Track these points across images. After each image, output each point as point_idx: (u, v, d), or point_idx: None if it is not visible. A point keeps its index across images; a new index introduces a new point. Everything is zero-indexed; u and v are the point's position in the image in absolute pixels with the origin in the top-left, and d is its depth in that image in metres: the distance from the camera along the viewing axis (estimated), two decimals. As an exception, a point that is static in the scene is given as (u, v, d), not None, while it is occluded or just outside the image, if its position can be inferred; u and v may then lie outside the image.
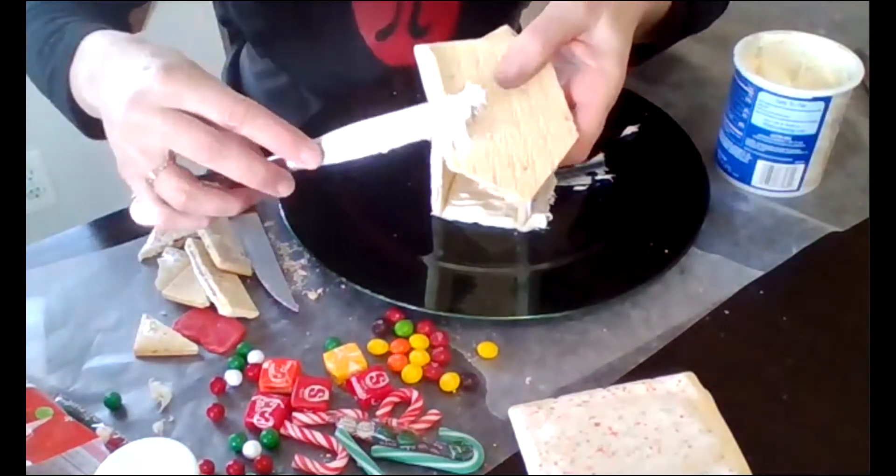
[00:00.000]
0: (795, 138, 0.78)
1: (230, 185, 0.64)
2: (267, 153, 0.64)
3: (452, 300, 0.73)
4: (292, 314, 0.72)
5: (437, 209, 0.78)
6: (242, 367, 0.67)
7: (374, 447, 0.62)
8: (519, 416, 0.62)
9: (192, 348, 0.69)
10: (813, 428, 0.64)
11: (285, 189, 0.64)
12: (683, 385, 0.63)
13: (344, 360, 0.67)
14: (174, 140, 0.61)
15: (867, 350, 0.63)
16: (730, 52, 0.80)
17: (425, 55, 0.69)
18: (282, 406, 0.64)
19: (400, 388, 0.66)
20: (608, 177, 0.82)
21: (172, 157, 0.63)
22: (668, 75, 0.96)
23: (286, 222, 0.77)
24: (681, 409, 0.61)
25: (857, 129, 0.89)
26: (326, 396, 0.65)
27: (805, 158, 0.79)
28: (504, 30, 0.78)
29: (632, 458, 0.58)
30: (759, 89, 0.77)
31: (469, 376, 0.66)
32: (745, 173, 0.81)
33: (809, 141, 0.78)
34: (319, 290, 0.73)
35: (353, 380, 0.66)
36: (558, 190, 0.80)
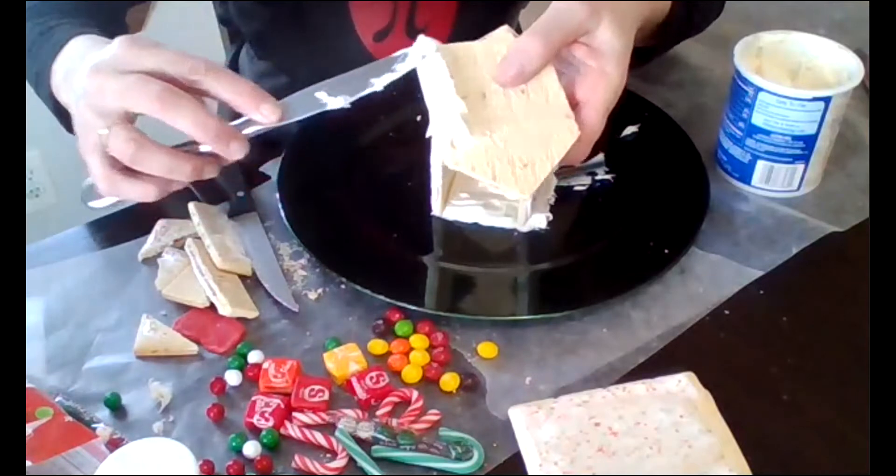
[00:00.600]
0: (795, 138, 0.78)
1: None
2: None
3: (452, 300, 0.73)
4: (292, 314, 0.72)
5: (437, 209, 0.78)
6: (242, 367, 0.67)
7: (374, 447, 0.62)
8: (519, 416, 0.62)
9: (192, 348, 0.69)
10: (813, 428, 0.64)
11: (238, 149, 0.64)
12: (683, 385, 0.63)
13: (344, 360, 0.67)
14: (128, 96, 0.62)
15: (867, 350, 0.63)
16: (730, 52, 0.80)
17: (430, 51, 0.69)
18: (282, 406, 0.64)
19: (400, 388, 0.66)
20: (608, 177, 0.82)
21: (130, 119, 0.64)
22: (668, 75, 0.96)
23: (286, 222, 0.77)
24: (681, 409, 0.61)
25: (857, 129, 0.89)
26: (326, 396, 0.65)
27: (805, 158, 0.79)
28: (504, 30, 0.78)
29: (632, 458, 0.59)
30: (759, 89, 0.77)
31: (469, 376, 0.66)
32: (745, 173, 0.81)
33: (809, 141, 0.78)
34: (319, 290, 0.73)
35: (353, 380, 0.66)
36: (558, 190, 0.80)
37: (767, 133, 0.78)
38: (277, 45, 1.00)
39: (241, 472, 0.61)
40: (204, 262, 0.73)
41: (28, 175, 1.65)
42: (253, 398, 0.65)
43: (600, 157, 0.83)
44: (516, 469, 0.60)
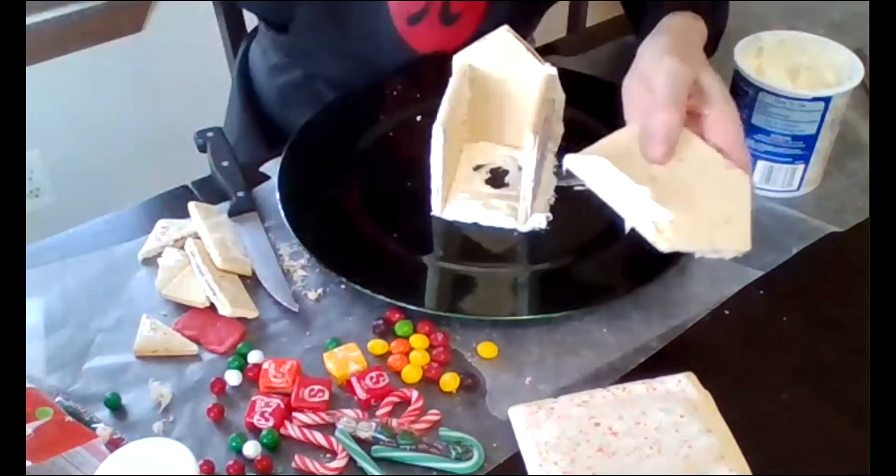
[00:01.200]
0: (795, 138, 0.78)
1: None
2: None
3: (452, 300, 0.73)
4: (292, 314, 0.72)
5: (437, 209, 0.78)
6: (242, 367, 0.67)
7: (374, 447, 0.62)
8: (519, 416, 0.62)
9: (192, 348, 0.69)
10: (813, 428, 0.64)
11: None
12: (683, 385, 0.63)
13: (344, 360, 0.67)
14: None
15: (867, 350, 0.63)
16: (730, 52, 0.80)
17: (592, 162, 0.67)
18: (282, 406, 0.64)
19: (400, 388, 0.66)
20: (608, 177, 0.82)
21: None
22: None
23: (286, 222, 0.77)
24: (681, 409, 0.61)
25: (857, 129, 0.89)
26: (326, 396, 0.65)
27: (805, 158, 0.79)
28: (503, 30, 0.78)
29: (632, 458, 0.59)
30: (759, 89, 0.77)
31: (469, 376, 0.66)
32: (745, 173, 0.81)
33: (809, 141, 0.78)
34: (319, 290, 0.73)
35: (353, 380, 0.66)
36: (558, 190, 0.80)
37: (767, 133, 0.78)
38: (303, 28, 0.98)
39: (241, 472, 0.61)
40: (204, 262, 0.73)
41: (28, 175, 1.65)
42: (253, 398, 0.65)
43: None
44: (516, 469, 0.60)
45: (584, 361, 0.68)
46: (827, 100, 0.76)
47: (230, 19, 1.20)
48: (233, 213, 0.79)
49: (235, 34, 1.20)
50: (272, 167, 0.83)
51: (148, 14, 1.62)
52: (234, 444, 0.62)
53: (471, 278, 0.74)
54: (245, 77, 1.11)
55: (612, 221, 0.78)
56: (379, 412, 0.64)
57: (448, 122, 0.74)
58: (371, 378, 0.66)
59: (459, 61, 0.79)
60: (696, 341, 0.70)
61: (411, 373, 0.67)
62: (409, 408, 0.64)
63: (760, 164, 0.80)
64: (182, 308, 0.72)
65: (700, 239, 0.64)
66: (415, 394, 0.65)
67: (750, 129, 0.79)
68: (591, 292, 0.72)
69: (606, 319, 0.71)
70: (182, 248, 0.76)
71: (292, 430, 0.63)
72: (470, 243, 0.77)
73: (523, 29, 1.03)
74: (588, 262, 0.75)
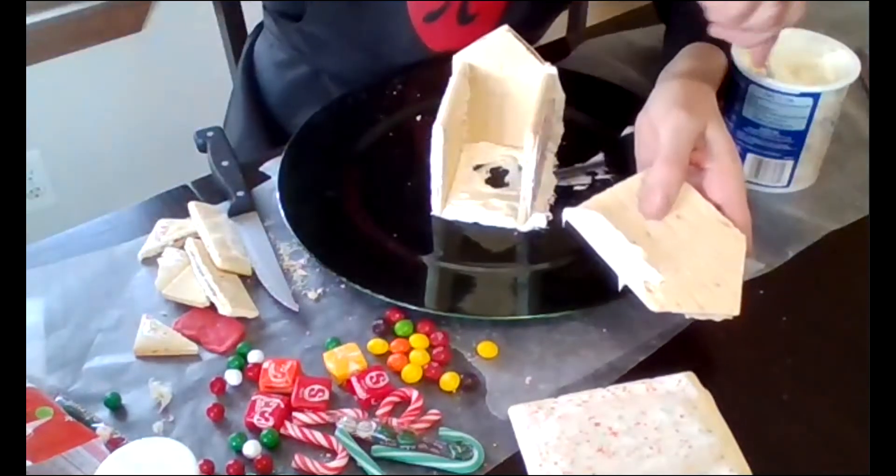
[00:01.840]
0: (783, 133, 0.78)
1: None
2: None
3: (452, 300, 0.73)
4: (292, 314, 0.72)
5: (437, 209, 0.78)
6: (242, 366, 0.67)
7: (374, 447, 0.62)
8: (519, 416, 0.62)
9: (192, 348, 0.69)
10: (813, 428, 0.64)
11: None
12: (683, 385, 0.63)
13: (344, 360, 0.67)
14: None
15: (867, 350, 0.63)
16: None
17: (589, 217, 0.67)
18: (282, 406, 0.64)
19: (400, 388, 0.66)
20: (608, 176, 0.82)
21: None
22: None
23: (286, 222, 0.77)
24: (681, 408, 0.61)
25: (857, 128, 0.89)
26: (326, 396, 0.65)
27: (794, 155, 0.79)
28: (503, 30, 0.78)
29: (632, 458, 0.59)
30: (749, 82, 0.77)
31: (469, 376, 0.66)
32: (734, 166, 0.82)
33: (798, 137, 0.78)
34: (319, 290, 0.73)
35: (353, 380, 0.66)
36: (558, 190, 0.80)
37: (756, 126, 0.78)
38: (318, 19, 0.98)
39: (241, 472, 0.61)
40: (204, 262, 0.73)
41: (28, 175, 1.65)
42: (253, 398, 0.65)
43: (600, 156, 0.83)
44: (516, 469, 0.60)
45: (584, 361, 0.68)
46: (815, 96, 0.76)
47: (230, 19, 1.20)
48: (233, 213, 0.79)
49: (235, 34, 1.20)
50: (272, 167, 0.83)
51: (148, 14, 1.62)
52: (234, 443, 0.62)
53: (471, 278, 0.74)
54: (249, 73, 1.10)
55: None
56: (379, 412, 0.64)
57: (448, 122, 0.74)
58: (371, 378, 0.66)
59: (459, 61, 0.79)
60: (696, 341, 0.70)
61: (411, 373, 0.67)
62: (409, 408, 0.64)
63: (750, 157, 0.80)
64: (182, 308, 0.72)
65: (689, 302, 0.65)
66: (415, 394, 0.65)
67: (741, 122, 0.79)
68: (591, 292, 0.71)
69: (606, 319, 0.71)
70: (182, 248, 0.76)
71: (292, 429, 0.63)
72: (470, 243, 0.77)
73: (538, 30, 1.03)
74: (588, 262, 0.74)
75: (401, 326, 0.70)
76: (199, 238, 0.76)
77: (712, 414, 0.62)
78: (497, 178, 0.82)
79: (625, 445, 0.59)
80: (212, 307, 0.72)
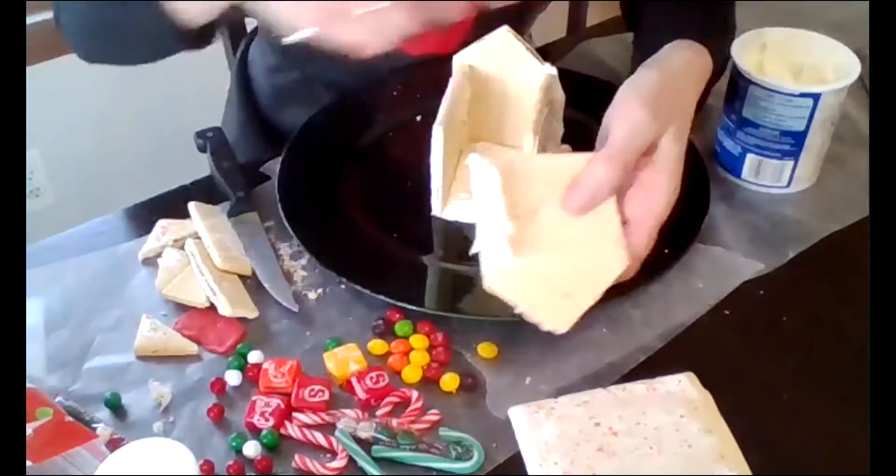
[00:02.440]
0: (783, 133, 0.78)
1: None
2: None
3: (452, 300, 0.73)
4: (292, 314, 0.72)
5: (437, 209, 0.78)
6: (242, 367, 0.67)
7: (374, 447, 0.62)
8: (519, 416, 0.62)
9: (192, 348, 0.69)
10: (813, 428, 0.64)
11: None
12: (683, 385, 0.63)
13: (344, 360, 0.67)
14: None
15: (867, 350, 0.63)
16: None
17: (486, 171, 0.64)
18: (282, 406, 0.64)
19: (400, 388, 0.66)
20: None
21: None
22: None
23: (286, 222, 0.77)
24: (681, 409, 0.61)
25: (857, 128, 0.89)
26: (326, 396, 0.65)
27: (794, 155, 0.79)
28: (503, 30, 0.78)
29: (632, 458, 0.58)
30: (749, 82, 0.77)
31: (469, 376, 0.66)
32: (735, 166, 0.82)
33: (798, 137, 0.78)
34: (319, 290, 0.73)
35: (353, 380, 0.66)
36: (558, 190, 0.80)
37: (756, 126, 0.78)
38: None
39: (241, 472, 0.61)
40: (204, 262, 0.73)
41: (28, 175, 1.65)
42: (253, 398, 0.65)
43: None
44: (516, 469, 0.60)
45: (584, 361, 0.68)
46: (816, 96, 0.76)
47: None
48: (233, 214, 0.79)
49: (235, 34, 1.20)
50: (272, 167, 0.83)
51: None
52: (234, 444, 0.62)
53: (471, 278, 0.74)
54: (244, 77, 1.10)
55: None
56: (379, 412, 0.64)
57: (448, 122, 0.74)
58: (371, 378, 0.66)
59: (459, 61, 0.79)
60: (696, 341, 0.70)
61: (411, 373, 0.67)
62: (409, 408, 0.64)
63: (750, 157, 0.80)
64: (182, 308, 0.72)
65: (523, 297, 0.61)
66: (415, 394, 0.65)
67: (741, 122, 0.79)
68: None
69: (606, 319, 0.71)
70: (182, 248, 0.76)
71: (292, 430, 0.63)
72: (470, 243, 0.77)
73: (520, 29, 1.03)
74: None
75: (401, 327, 0.70)
76: (199, 238, 0.76)
77: (712, 414, 0.62)
78: (497, 178, 0.82)
79: (625, 445, 0.59)
80: (212, 307, 0.72)
